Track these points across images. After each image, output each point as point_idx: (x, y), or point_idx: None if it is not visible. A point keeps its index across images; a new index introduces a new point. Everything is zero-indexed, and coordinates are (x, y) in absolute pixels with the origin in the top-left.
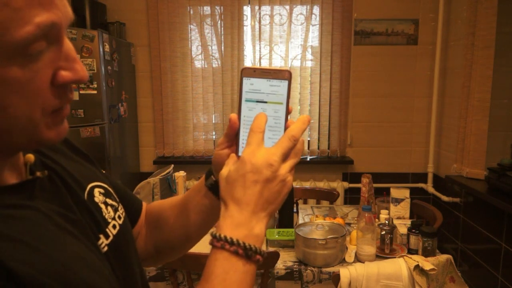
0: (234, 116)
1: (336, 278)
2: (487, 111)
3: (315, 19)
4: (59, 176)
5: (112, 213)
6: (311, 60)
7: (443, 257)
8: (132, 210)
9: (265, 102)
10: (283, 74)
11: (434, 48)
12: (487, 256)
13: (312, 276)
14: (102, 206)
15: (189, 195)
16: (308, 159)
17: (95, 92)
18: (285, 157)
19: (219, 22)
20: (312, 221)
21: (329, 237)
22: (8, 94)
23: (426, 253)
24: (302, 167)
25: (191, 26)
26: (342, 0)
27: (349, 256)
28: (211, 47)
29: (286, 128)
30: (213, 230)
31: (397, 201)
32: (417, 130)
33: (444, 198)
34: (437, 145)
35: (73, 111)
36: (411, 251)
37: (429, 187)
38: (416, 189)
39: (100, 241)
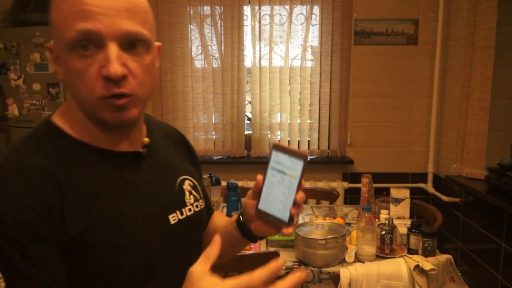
0: (260, 177)
1: (336, 278)
2: (487, 111)
3: (315, 19)
4: (164, 160)
5: (192, 201)
6: (311, 60)
7: (443, 257)
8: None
9: (284, 173)
10: (301, 156)
11: (434, 48)
12: (487, 256)
13: (312, 276)
14: (187, 192)
15: (228, 221)
16: (308, 159)
17: None
18: None
19: (219, 22)
20: (312, 221)
21: (329, 237)
22: (73, 76)
23: (426, 253)
24: None
25: (191, 26)
26: (342, 0)
27: (349, 256)
28: (211, 47)
29: (295, 199)
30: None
31: (397, 201)
32: (417, 130)
33: (444, 198)
34: (437, 145)
35: None
36: (411, 251)
37: (429, 187)
38: (416, 189)
39: (173, 215)
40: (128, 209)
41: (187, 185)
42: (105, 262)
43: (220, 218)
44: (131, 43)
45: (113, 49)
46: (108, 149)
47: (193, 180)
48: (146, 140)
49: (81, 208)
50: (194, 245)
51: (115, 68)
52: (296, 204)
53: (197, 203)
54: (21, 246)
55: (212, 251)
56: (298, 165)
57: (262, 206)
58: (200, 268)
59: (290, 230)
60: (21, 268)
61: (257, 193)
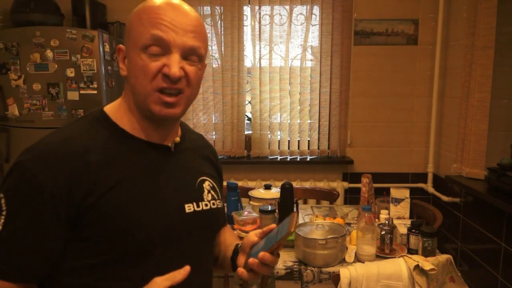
0: (273, 226)
1: (336, 278)
2: (487, 111)
3: (315, 19)
4: (189, 161)
5: (209, 198)
6: (311, 60)
7: (443, 257)
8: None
9: (277, 233)
10: (289, 228)
11: (434, 48)
12: (487, 256)
13: (312, 276)
14: (205, 190)
15: (232, 244)
16: (308, 159)
17: (95, 92)
18: None
19: (219, 22)
20: (312, 221)
21: (329, 237)
22: (137, 71)
23: (426, 253)
24: (302, 167)
25: None
26: (342, 0)
27: (349, 256)
28: (211, 47)
29: (258, 254)
30: None
31: (397, 201)
32: (417, 130)
33: (444, 198)
34: (437, 145)
35: (73, 111)
36: (411, 251)
37: (429, 187)
38: (416, 189)
39: (189, 205)
40: (145, 191)
41: (206, 185)
42: (116, 230)
43: (230, 234)
44: (189, 55)
45: (176, 56)
46: (144, 139)
47: (213, 182)
48: (177, 139)
49: (105, 183)
50: (205, 238)
51: (176, 70)
52: (257, 258)
53: (214, 201)
54: (32, 202)
55: (178, 275)
56: (284, 232)
57: (255, 246)
58: (162, 282)
59: (240, 271)
60: (19, 221)
61: (264, 235)
